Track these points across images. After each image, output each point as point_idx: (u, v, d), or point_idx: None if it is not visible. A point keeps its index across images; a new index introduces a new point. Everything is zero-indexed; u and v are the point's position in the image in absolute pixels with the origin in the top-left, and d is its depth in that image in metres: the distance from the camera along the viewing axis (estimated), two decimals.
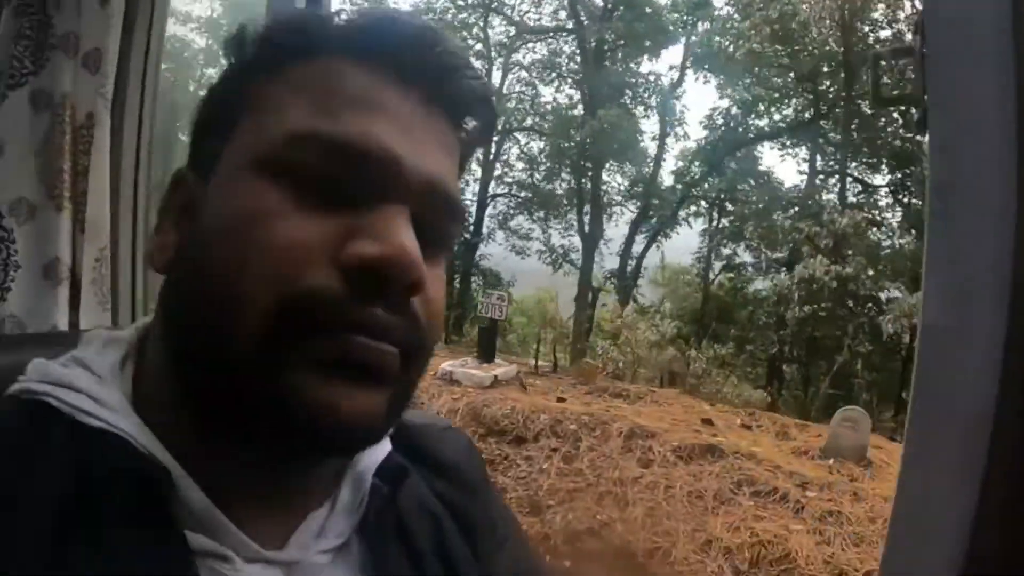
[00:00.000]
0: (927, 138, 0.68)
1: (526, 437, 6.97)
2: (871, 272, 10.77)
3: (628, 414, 7.40)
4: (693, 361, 10.85)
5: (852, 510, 5.37)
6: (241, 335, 0.47)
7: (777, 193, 13.25)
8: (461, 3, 14.39)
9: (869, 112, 11.85)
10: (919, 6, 0.66)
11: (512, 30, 14.81)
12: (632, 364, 10.16)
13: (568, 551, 5.46)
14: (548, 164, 15.07)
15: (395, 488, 0.62)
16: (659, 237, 14.73)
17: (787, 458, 6.40)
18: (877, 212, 12.35)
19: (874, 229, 11.70)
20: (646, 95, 14.70)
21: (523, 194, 15.26)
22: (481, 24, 14.46)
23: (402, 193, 0.51)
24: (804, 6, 11.67)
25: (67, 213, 1.38)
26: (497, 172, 15.29)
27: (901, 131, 11.67)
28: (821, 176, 13.27)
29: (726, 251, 14.38)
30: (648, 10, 13.73)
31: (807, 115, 12.92)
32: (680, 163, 14.57)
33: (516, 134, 15.19)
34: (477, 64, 0.60)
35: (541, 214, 15.18)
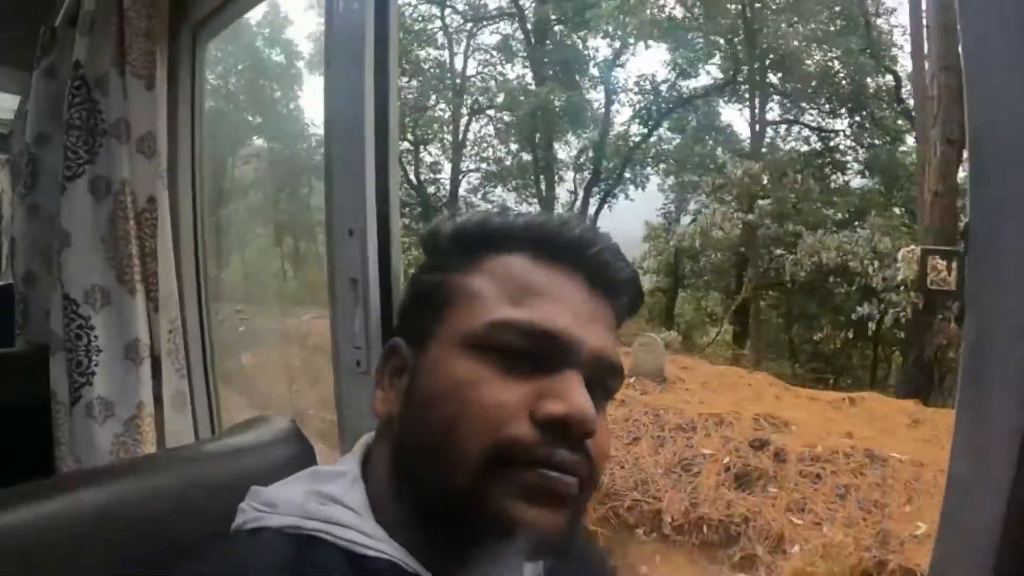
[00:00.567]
0: (964, 327, 0.80)
1: None
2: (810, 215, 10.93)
3: None
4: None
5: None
6: (461, 472, 0.60)
7: (736, 146, 13.45)
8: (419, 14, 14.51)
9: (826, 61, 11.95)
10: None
11: (460, 19, 14.97)
12: None
13: None
14: (505, 138, 15.28)
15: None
16: (608, 198, 15.01)
17: None
18: (839, 155, 12.49)
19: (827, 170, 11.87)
20: (590, 67, 14.99)
21: (488, 168, 15.49)
22: (439, 13, 14.57)
23: (577, 362, 0.64)
24: None
25: (140, 295, 1.43)
26: (468, 150, 15.53)
27: (855, 76, 11.76)
28: (775, 125, 13.41)
29: (694, 205, 14.63)
30: None
31: (744, 70, 13.08)
32: (621, 128, 14.82)
33: (489, 111, 15.46)
34: (610, 242, 0.71)
35: (513, 184, 15.44)
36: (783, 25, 11.40)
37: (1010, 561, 0.80)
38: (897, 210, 10.76)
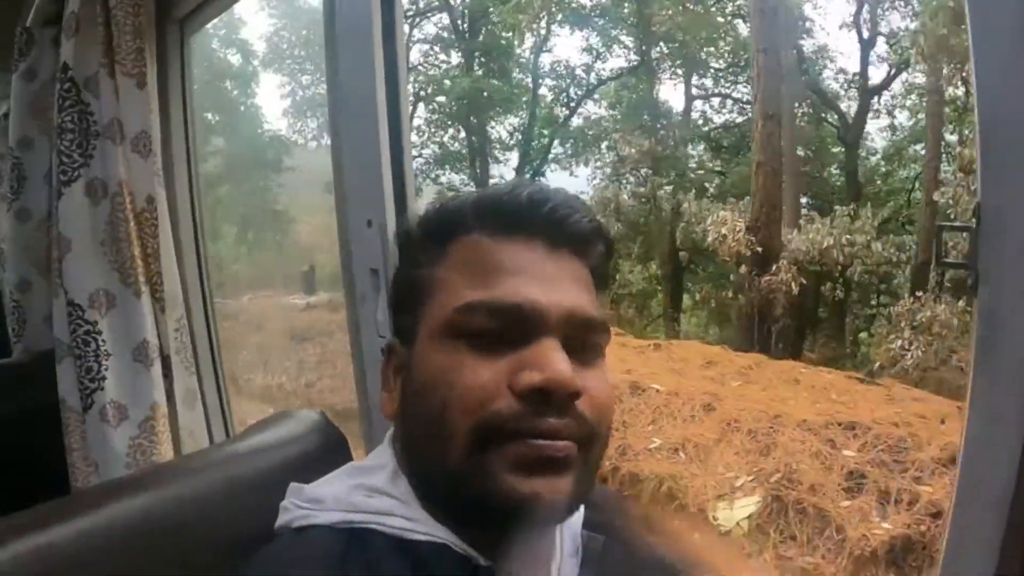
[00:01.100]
0: (978, 298, 0.85)
1: None
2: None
3: None
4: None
5: None
6: (454, 455, 0.63)
7: (671, 121, 13.68)
8: None
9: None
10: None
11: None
12: None
13: None
14: (443, 124, 15.39)
15: (603, 537, 0.77)
16: (537, 176, 15.25)
17: None
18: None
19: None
20: (515, 54, 15.17)
21: (435, 151, 15.60)
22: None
23: (550, 327, 0.65)
24: None
25: (145, 296, 1.43)
26: (418, 136, 15.65)
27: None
28: (700, 99, 13.64)
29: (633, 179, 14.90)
30: None
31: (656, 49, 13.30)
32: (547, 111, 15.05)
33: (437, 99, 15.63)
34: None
35: (457, 167, 15.62)
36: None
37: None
38: None
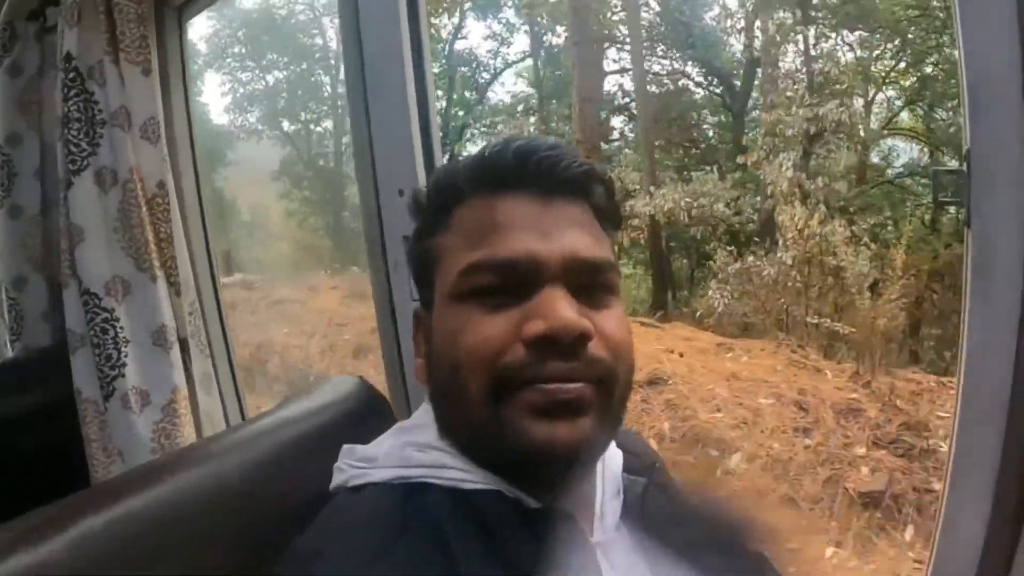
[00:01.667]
0: (970, 230, 0.96)
1: None
2: None
3: None
4: None
5: None
6: (474, 409, 0.66)
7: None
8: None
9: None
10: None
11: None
12: None
13: None
14: None
15: (646, 478, 0.82)
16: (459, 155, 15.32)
17: None
18: None
19: None
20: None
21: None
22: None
23: (551, 275, 0.67)
24: None
25: (161, 280, 1.44)
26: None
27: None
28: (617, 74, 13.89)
29: None
30: None
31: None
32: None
33: None
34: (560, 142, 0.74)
35: None
36: None
37: (1020, 408, 1.00)
38: None
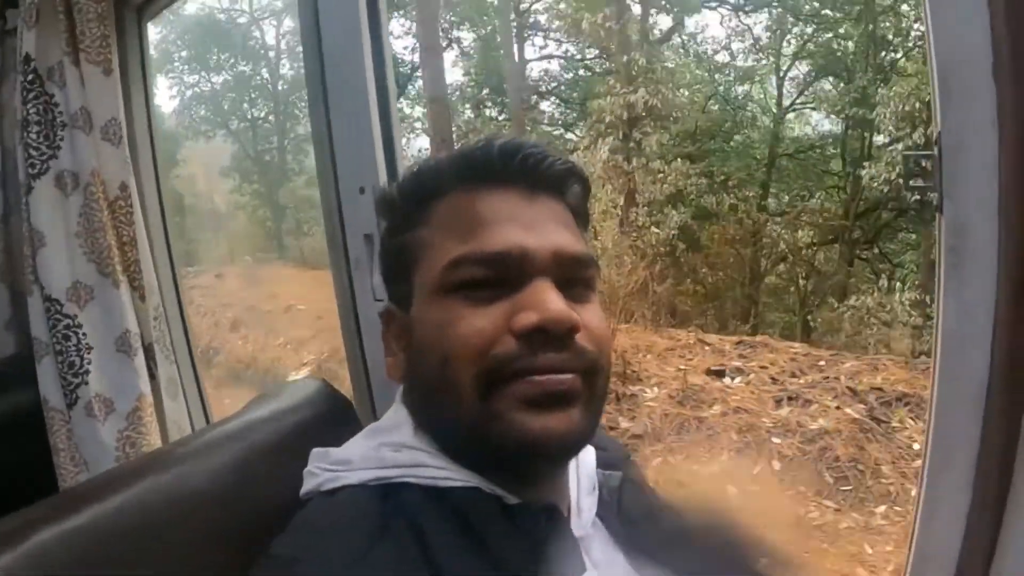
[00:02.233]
0: (943, 213, 0.95)
1: None
2: None
3: None
4: None
5: None
6: (464, 404, 0.65)
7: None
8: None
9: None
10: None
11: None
12: None
13: None
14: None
15: (620, 476, 0.82)
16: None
17: None
18: None
19: None
20: None
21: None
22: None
23: (539, 269, 0.68)
24: None
25: (124, 285, 1.41)
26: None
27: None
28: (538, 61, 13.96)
29: None
30: None
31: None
32: None
33: None
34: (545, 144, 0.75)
35: None
36: None
37: (997, 392, 0.98)
38: None
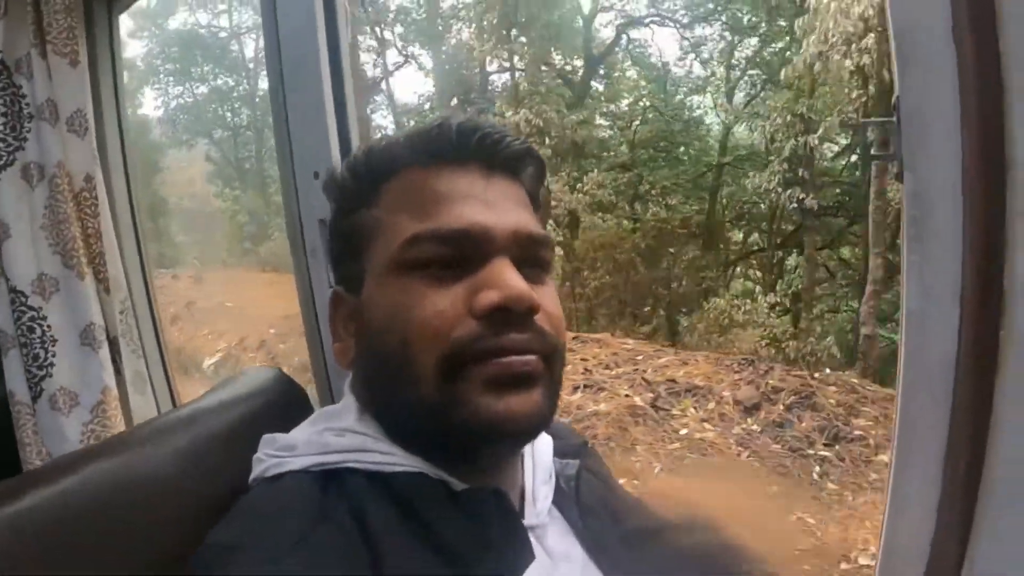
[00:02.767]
0: (904, 184, 0.92)
1: None
2: None
3: None
4: None
5: None
6: (423, 387, 0.64)
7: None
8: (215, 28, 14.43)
9: None
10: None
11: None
12: None
13: None
14: None
15: (578, 464, 0.81)
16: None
17: None
18: None
19: None
20: None
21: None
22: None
23: (499, 247, 0.67)
24: None
25: (89, 278, 1.40)
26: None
27: None
28: None
29: None
30: None
31: None
32: None
33: None
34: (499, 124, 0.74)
35: None
36: None
37: (966, 374, 0.93)
38: None
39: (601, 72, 11.12)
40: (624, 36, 10.94)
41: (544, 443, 0.80)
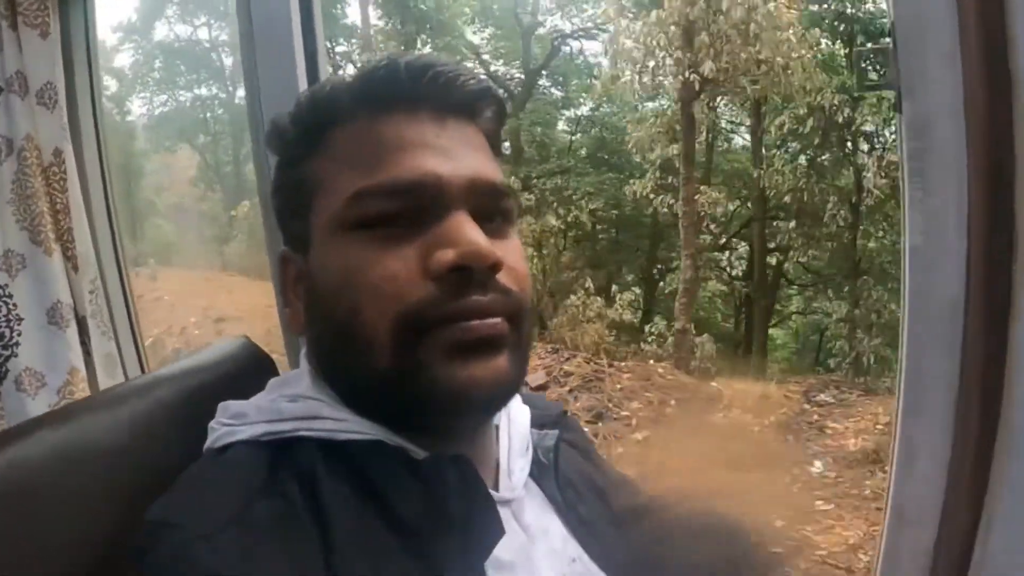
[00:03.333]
0: (903, 113, 0.88)
1: None
2: None
3: None
4: None
5: None
6: (378, 355, 0.59)
7: None
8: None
9: None
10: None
11: None
12: None
13: None
14: None
15: (556, 434, 0.75)
16: None
17: None
18: None
19: None
20: None
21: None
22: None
23: (454, 199, 0.61)
24: None
25: (57, 254, 1.35)
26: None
27: None
28: None
29: None
30: None
31: None
32: None
33: None
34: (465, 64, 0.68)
35: None
36: None
37: (975, 310, 0.85)
38: None
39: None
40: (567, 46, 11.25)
41: (520, 412, 0.75)
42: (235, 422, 0.64)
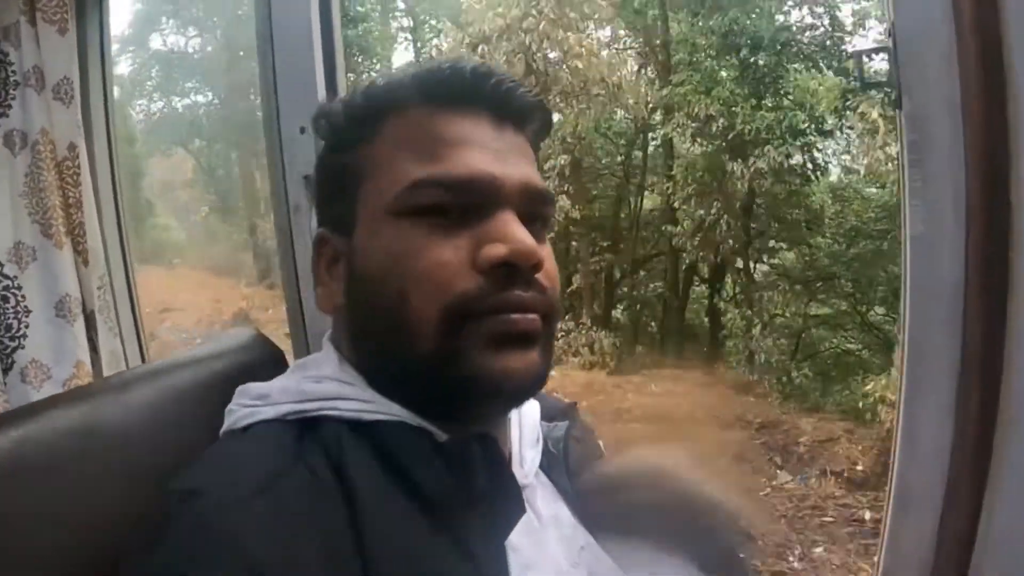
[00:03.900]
0: (902, 109, 0.92)
1: None
2: None
3: None
4: None
5: None
6: (423, 340, 0.61)
7: None
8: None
9: None
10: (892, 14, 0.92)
11: None
12: None
13: None
14: None
15: (566, 425, 0.79)
16: None
17: None
18: None
19: None
20: None
21: None
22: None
23: (505, 200, 0.63)
24: None
25: (67, 248, 1.36)
26: None
27: None
28: None
29: None
30: None
31: None
32: None
33: None
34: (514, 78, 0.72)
35: None
36: None
37: (975, 296, 0.88)
38: None
39: None
40: None
41: (530, 405, 0.77)
42: (258, 402, 0.66)
